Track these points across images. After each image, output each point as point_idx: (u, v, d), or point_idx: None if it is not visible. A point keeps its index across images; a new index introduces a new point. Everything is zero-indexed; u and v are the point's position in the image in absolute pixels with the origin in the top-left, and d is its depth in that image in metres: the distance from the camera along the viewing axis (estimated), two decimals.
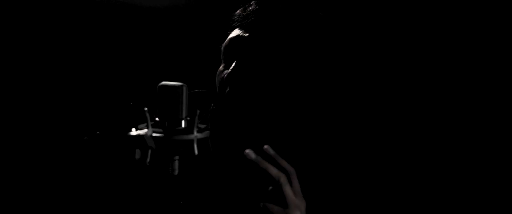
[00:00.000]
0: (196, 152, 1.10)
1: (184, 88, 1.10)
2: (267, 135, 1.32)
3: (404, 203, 1.39)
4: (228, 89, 1.33)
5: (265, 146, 1.18)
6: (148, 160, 1.09)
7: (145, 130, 1.08)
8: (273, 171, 1.16)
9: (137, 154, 1.09)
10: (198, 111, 1.11)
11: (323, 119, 1.38)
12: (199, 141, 1.10)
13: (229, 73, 1.33)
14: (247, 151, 1.16)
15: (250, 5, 1.39)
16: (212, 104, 1.36)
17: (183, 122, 1.10)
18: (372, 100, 1.92)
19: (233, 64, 1.33)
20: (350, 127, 1.57)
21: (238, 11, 1.41)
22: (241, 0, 1.43)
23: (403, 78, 1.93)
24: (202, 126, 1.12)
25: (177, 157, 1.13)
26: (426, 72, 1.92)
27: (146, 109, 1.08)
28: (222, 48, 1.40)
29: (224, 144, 1.36)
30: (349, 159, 1.40)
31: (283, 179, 1.16)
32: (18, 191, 1.87)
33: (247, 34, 1.34)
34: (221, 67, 1.40)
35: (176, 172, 1.13)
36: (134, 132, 1.08)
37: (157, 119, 1.10)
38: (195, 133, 1.10)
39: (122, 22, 2.02)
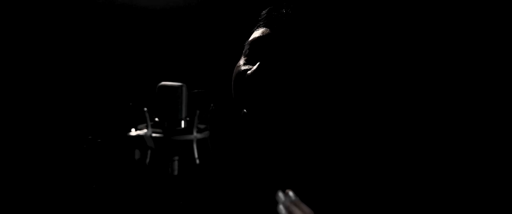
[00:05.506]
0: (196, 155, 1.10)
1: (184, 88, 1.10)
2: (289, 135, 1.32)
3: (405, 206, 1.39)
4: (250, 86, 1.32)
5: (287, 191, 1.18)
6: (147, 160, 1.09)
7: (145, 130, 1.09)
8: None
9: (137, 154, 1.09)
10: (198, 111, 1.11)
11: (344, 119, 1.38)
12: (199, 141, 1.11)
13: (254, 72, 1.32)
14: (279, 194, 1.17)
15: (282, 7, 1.38)
16: (212, 104, 1.36)
17: (182, 122, 1.11)
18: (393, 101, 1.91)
19: (258, 64, 1.32)
20: (372, 128, 1.57)
21: (267, 10, 1.40)
22: (241, 1, 1.43)
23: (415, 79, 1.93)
24: (202, 126, 1.12)
25: (176, 157, 1.13)
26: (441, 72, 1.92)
27: (146, 109, 1.09)
28: (247, 43, 1.39)
29: (249, 143, 1.36)
30: (356, 163, 1.40)
31: None
32: (18, 191, 1.87)
33: (279, 36, 1.33)
34: (241, 62, 1.39)
35: (176, 172, 1.13)
36: (134, 132, 1.09)
37: (157, 119, 1.11)
38: (195, 133, 1.10)
39: (122, 22, 2.02)
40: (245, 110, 1.35)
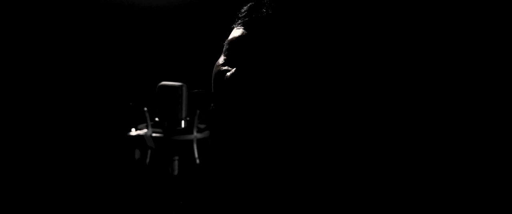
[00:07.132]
0: (196, 155, 1.10)
1: (184, 88, 1.10)
2: (268, 137, 1.32)
3: (402, 205, 1.39)
4: (229, 90, 1.32)
5: None
6: (147, 160, 1.09)
7: (145, 130, 1.09)
8: None
9: (137, 154, 1.09)
10: (198, 111, 1.11)
11: (326, 120, 1.38)
12: (199, 141, 1.11)
13: (232, 76, 1.32)
14: None
15: (263, 7, 1.37)
16: (212, 104, 1.36)
17: (182, 122, 1.11)
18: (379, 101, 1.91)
19: (237, 67, 1.32)
20: (353, 129, 1.56)
21: (248, 8, 1.39)
22: (241, 1, 1.42)
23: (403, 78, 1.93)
24: (202, 126, 1.12)
25: (176, 157, 1.13)
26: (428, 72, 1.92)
27: (146, 109, 1.09)
28: (226, 43, 1.39)
29: (223, 145, 1.35)
30: (348, 160, 1.39)
31: None
32: (18, 191, 1.87)
33: (257, 38, 1.33)
34: (221, 61, 1.39)
35: (176, 172, 1.13)
36: (134, 132, 1.09)
37: (157, 119, 1.11)
38: (195, 133, 1.10)
39: (122, 22, 2.02)
40: (212, 105, 1.34)
